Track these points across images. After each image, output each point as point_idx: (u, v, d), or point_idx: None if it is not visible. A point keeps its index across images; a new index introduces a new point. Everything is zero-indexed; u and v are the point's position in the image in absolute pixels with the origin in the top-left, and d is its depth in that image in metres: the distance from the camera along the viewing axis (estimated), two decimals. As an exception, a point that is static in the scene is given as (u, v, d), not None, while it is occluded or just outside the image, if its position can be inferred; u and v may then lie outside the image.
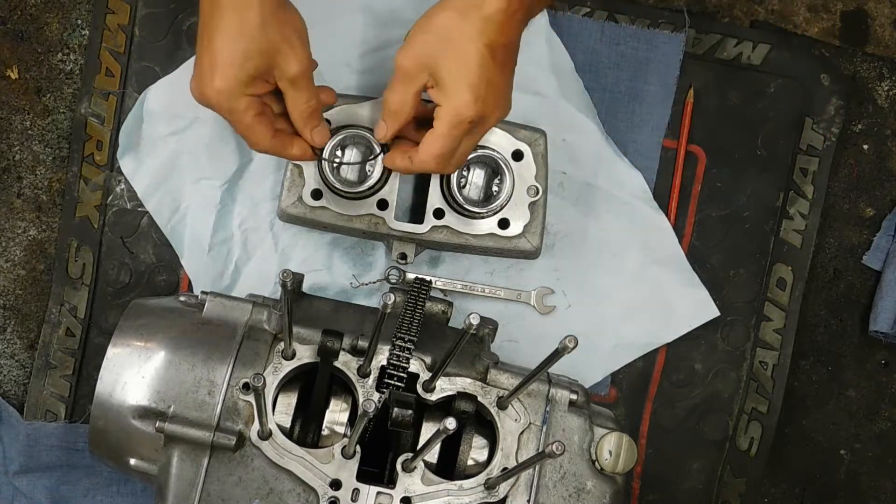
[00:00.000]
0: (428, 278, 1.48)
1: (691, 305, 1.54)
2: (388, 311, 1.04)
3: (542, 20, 1.52)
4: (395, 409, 1.14)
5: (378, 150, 1.39)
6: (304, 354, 1.20)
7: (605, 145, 1.53)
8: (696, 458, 1.56)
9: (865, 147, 1.60)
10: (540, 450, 1.21)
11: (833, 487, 1.60)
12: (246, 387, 1.18)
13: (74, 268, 1.53)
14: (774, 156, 1.57)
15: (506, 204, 1.42)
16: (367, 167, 1.40)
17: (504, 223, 1.43)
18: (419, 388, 1.21)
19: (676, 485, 1.56)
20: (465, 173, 1.41)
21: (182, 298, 1.28)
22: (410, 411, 1.14)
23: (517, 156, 1.42)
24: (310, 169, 1.41)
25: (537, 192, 1.42)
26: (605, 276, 1.53)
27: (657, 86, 1.55)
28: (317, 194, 1.41)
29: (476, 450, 1.24)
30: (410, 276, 1.48)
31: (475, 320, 1.02)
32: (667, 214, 1.54)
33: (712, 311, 1.55)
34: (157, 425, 1.16)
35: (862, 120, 1.60)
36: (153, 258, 1.53)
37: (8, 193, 1.56)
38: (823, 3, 1.63)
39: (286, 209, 1.42)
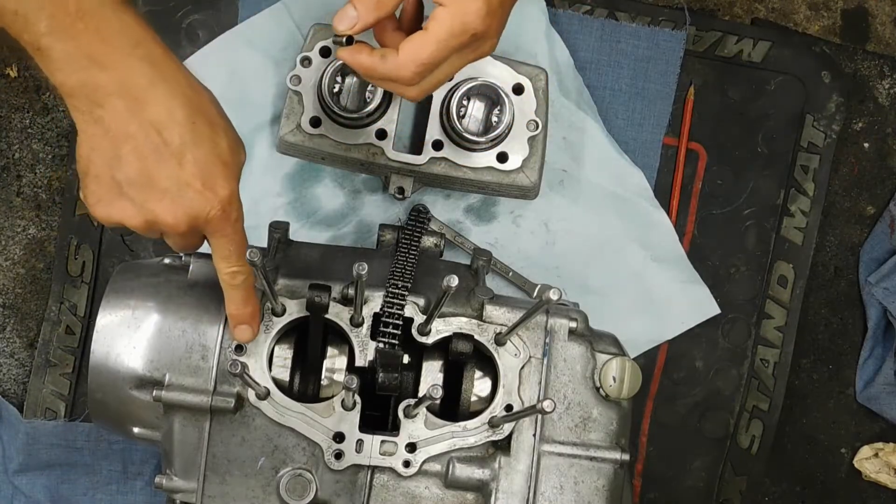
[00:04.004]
0: (423, 209, 1.49)
1: (692, 303, 1.54)
2: (364, 279, 1.04)
3: (542, 18, 1.52)
4: (382, 374, 1.14)
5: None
6: (294, 309, 1.19)
7: (606, 143, 1.52)
8: (697, 455, 1.56)
9: (866, 145, 1.60)
10: (542, 382, 1.20)
11: (834, 486, 1.60)
12: (239, 348, 1.17)
13: (74, 266, 1.53)
14: (775, 153, 1.57)
15: (505, 135, 1.41)
16: (367, 93, 1.39)
17: (503, 157, 1.42)
18: (414, 332, 1.19)
19: (677, 482, 1.56)
20: (464, 103, 1.41)
21: (167, 261, 1.25)
22: (397, 374, 1.14)
23: (518, 90, 1.42)
24: (309, 96, 1.41)
25: (537, 127, 1.42)
26: (606, 273, 1.53)
27: (658, 83, 1.55)
28: (315, 122, 1.41)
29: (478, 382, 1.22)
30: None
31: (453, 283, 1.02)
32: (668, 212, 1.54)
33: (713, 309, 1.55)
34: (153, 394, 1.15)
35: (862, 118, 1.60)
36: (153, 256, 1.52)
37: (7, 192, 1.56)
38: (824, 1, 1.63)
39: (284, 137, 1.42)
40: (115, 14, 0.98)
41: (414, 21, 1.19)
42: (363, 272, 1.02)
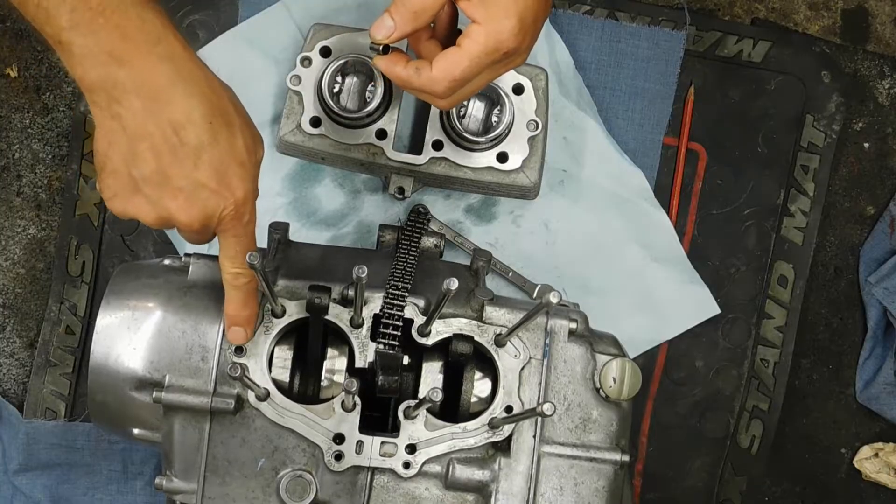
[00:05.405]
0: (423, 209, 1.50)
1: (692, 303, 1.54)
2: (364, 282, 1.04)
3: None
4: (381, 377, 1.14)
5: (378, 78, 1.39)
6: (294, 311, 1.18)
7: (606, 143, 1.52)
8: (697, 455, 1.56)
9: (866, 145, 1.60)
10: (542, 383, 1.20)
11: (834, 486, 1.60)
12: (238, 350, 1.17)
13: (74, 266, 1.53)
14: (775, 153, 1.57)
15: (505, 135, 1.41)
16: (367, 93, 1.40)
17: (503, 157, 1.43)
18: (414, 333, 1.19)
19: (677, 482, 1.56)
20: (465, 103, 1.41)
21: (167, 262, 1.25)
22: (397, 377, 1.14)
23: (518, 90, 1.42)
24: (309, 96, 1.41)
25: (537, 127, 1.42)
26: (606, 273, 1.53)
27: (658, 83, 1.55)
28: (315, 122, 1.42)
29: (478, 383, 1.22)
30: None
31: (453, 286, 1.02)
32: (668, 212, 1.54)
33: (713, 309, 1.55)
34: (153, 395, 1.15)
35: (863, 118, 1.60)
36: (153, 256, 1.52)
37: (7, 192, 1.56)
38: (824, 1, 1.63)
39: (284, 137, 1.42)
40: (136, 10, 0.98)
41: (448, 29, 1.20)
42: (363, 275, 1.02)
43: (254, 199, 1.07)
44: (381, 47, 1.15)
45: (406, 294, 1.19)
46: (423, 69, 1.14)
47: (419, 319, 1.19)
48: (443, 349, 1.20)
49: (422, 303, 1.20)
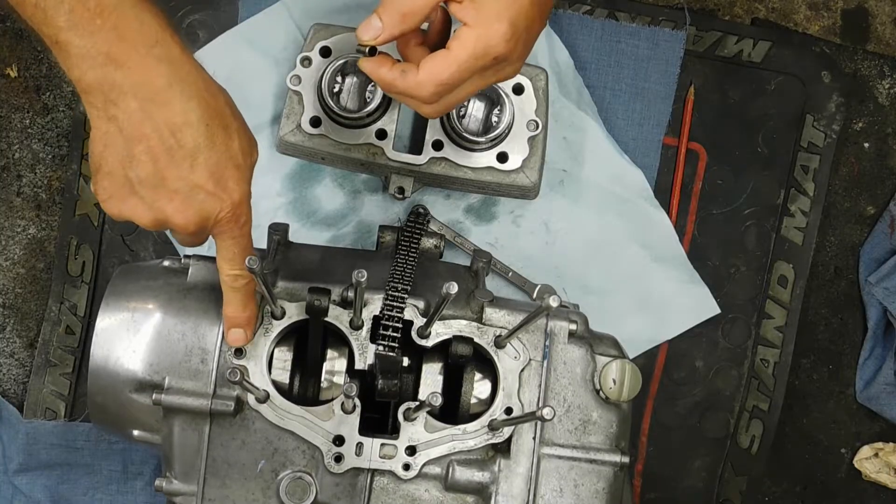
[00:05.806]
0: (423, 210, 1.50)
1: (692, 303, 1.54)
2: (364, 286, 1.05)
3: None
4: (381, 381, 1.14)
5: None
6: (294, 312, 1.18)
7: (606, 143, 1.52)
8: (697, 455, 1.56)
9: (866, 145, 1.60)
10: (542, 385, 1.20)
11: (834, 486, 1.60)
12: (238, 352, 1.17)
13: (74, 266, 1.53)
14: (775, 153, 1.57)
15: (505, 134, 1.41)
16: (367, 93, 1.40)
17: (503, 157, 1.43)
18: (414, 335, 1.19)
19: (677, 482, 1.56)
20: (465, 103, 1.40)
21: (166, 263, 1.25)
22: (396, 381, 1.14)
23: (518, 90, 1.42)
24: (309, 96, 1.41)
25: (537, 127, 1.42)
26: (606, 273, 1.53)
27: (658, 83, 1.55)
28: (315, 122, 1.42)
29: (478, 384, 1.22)
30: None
31: (453, 290, 1.02)
32: (668, 212, 1.54)
33: (713, 309, 1.55)
34: (153, 397, 1.15)
35: (863, 118, 1.60)
36: (153, 256, 1.52)
37: (7, 192, 1.56)
38: (824, 1, 1.63)
39: (284, 137, 1.42)
40: (134, 12, 0.98)
41: (440, 37, 1.19)
42: (363, 280, 1.02)
43: (249, 200, 1.07)
44: (367, 49, 1.13)
45: (406, 296, 1.18)
46: (409, 72, 1.12)
47: (419, 321, 1.19)
48: (443, 350, 1.20)
49: (421, 304, 1.20)
